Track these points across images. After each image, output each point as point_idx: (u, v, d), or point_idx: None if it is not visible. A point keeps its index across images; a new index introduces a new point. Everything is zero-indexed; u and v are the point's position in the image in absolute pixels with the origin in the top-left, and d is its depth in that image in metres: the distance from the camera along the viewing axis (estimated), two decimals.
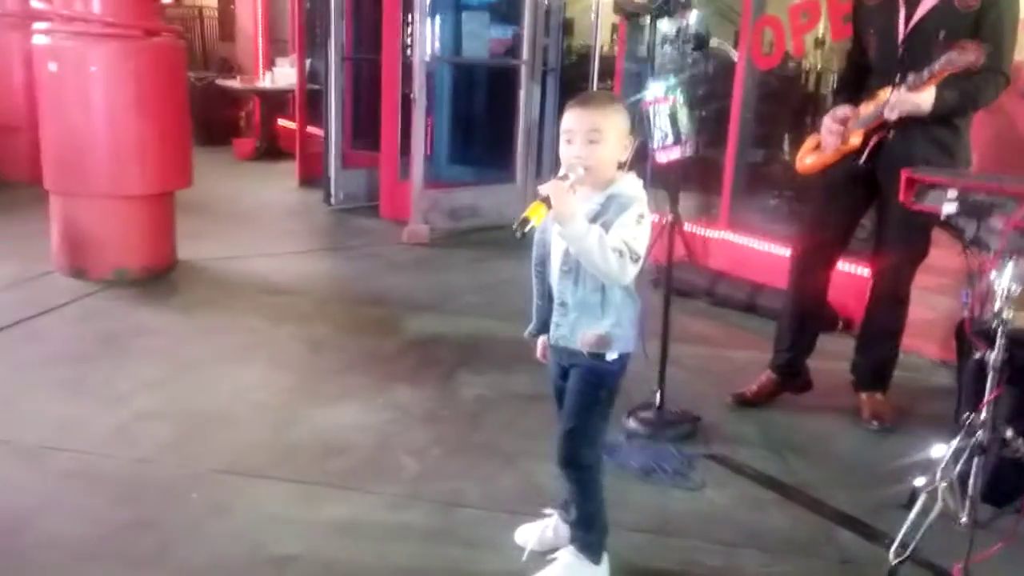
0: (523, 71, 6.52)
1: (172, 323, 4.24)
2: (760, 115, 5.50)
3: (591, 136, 2.04)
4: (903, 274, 3.24)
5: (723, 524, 2.64)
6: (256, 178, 8.35)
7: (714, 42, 3.07)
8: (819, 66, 6.33)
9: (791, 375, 3.49)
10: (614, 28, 7.19)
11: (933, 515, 2.28)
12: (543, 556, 2.37)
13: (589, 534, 2.29)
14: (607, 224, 2.02)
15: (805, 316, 3.44)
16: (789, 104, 6.23)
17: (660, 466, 2.90)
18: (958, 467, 2.36)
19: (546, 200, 1.92)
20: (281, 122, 9.57)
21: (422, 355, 3.92)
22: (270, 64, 10.05)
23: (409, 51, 6.37)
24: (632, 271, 2.01)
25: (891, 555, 2.35)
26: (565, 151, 2.07)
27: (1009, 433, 2.37)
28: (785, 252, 3.84)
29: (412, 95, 5.98)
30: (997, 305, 2.26)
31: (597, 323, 2.13)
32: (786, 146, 5.86)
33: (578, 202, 1.99)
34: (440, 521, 2.59)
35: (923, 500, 2.36)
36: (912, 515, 2.34)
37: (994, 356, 2.29)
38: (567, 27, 9.00)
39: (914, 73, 2.89)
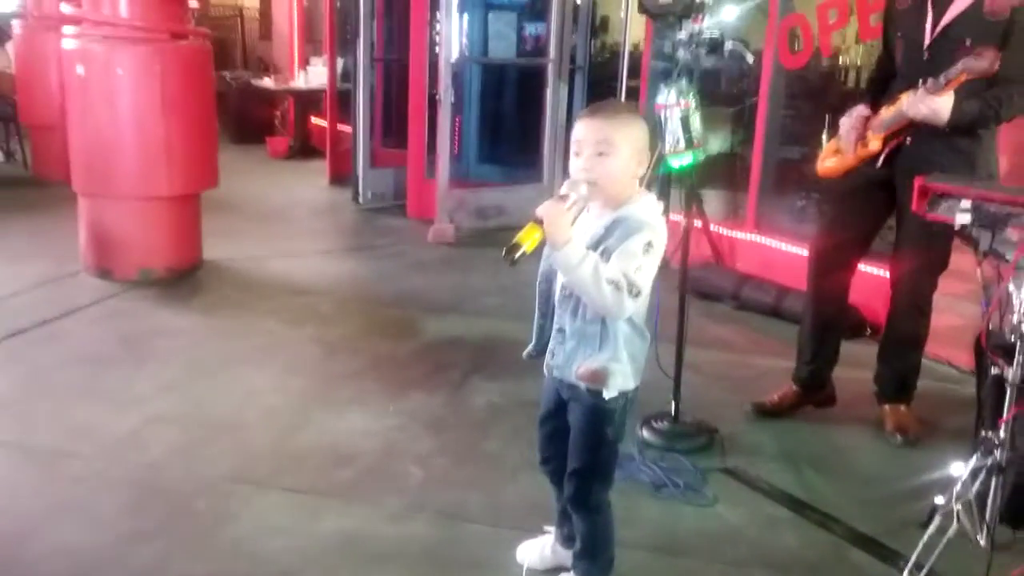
0: (550, 69, 6.46)
1: (192, 324, 4.26)
2: (788, 114, 5.41)
3: (600, 148, 1.88)
4: (922, 282, 3.14)
5: (732, 542, 2.57)
6: (287, 177, 8.39)
7: (728, 44, 2.96)
8: (850, 63, 6.21)
9: (814, 388, 3.40)
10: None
11: (948, 536, 2.19)
12: (542, 575, 2.33)
13: (592, 567, 2.19)
14: (608, 250, 1.86)
15: (825, 322, 3.34)
16: (819, 103, 6.11)
17: (671, 480, 2.83)
18: (976, 486, 2.27)
19: (541, 222, 1.78)
20: (315, 121, 9.62)
21: (437, 359, 3.89)
22: (305, 64, 10.11)
23: (437, 51, 6.34)
24: (630, 307, 1.84)
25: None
26: (573, 164, 1.93)
27: None
28: None
29: (437, 95, 5.95)
30: (1015, 319, 2.16)
31: (594, 356, 1.96)
32: (823, 139, 5.73)
33: (572, 227, 1.82)
34: (441, 535, 2.55)
35: (940, 520, 2.27)
36: (927, 535, 2.25)
37: (1013, 372, 2.20)
38: (602, 24, 8.92)
39: (933, 78, 2.81)
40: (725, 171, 5.89)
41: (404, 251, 5.77)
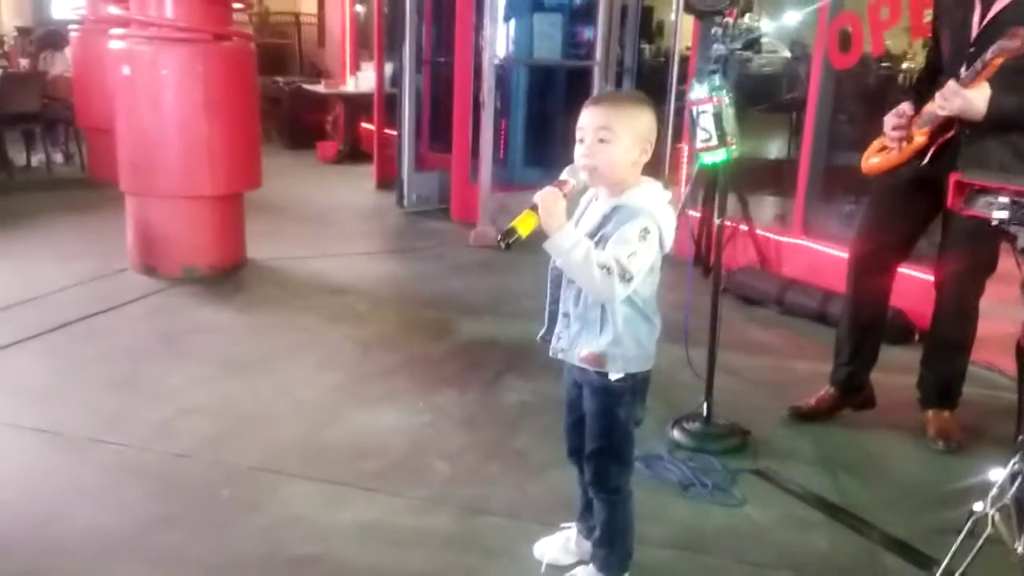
0: (596, 72, 6.42)
1: (231, 321, 4.30)
2: (842, 119, 5.31)
3: (600, 135, 1.93)
4: (967, 285, 3.03)
5: (759, 544, 2.50)
6: (335, 180, 8.47)
7: (766, 41, 2.91)
8: (912, 69, 6.08)
9: (852, 390, 3.30)
10: None
11: (981, 541, 2.10)
12: (561, 570, 2.29)
13: (611, 554, 2.19)
14: (606, 236, 1.91)
15: (864, 324, 3.24)
16: (876, 108, 5.98)
17: (700, 480, 2.77)
18: (1013, 491, 2.18)
19: (536, 208, 1.84)
20: (364, 126, 9.70)
21: (471, 359, 3.87)
22: (356, 69, 10.21)
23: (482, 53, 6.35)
24: (621, 291, 1.88)
25: None
26: (576, 151, 1.97)
27: None
28: None
29: (481, 97, 5.95)
30: None
31: (595, 340, 2.00)
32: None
33: (564, 212, 1.88)
34: (463, 528, 2.53)
35: (973, 525, 2.18)
36: (959, 539, 2.16)
37: None
38: (658, 28, 8.86)
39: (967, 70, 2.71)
40: (776, 177, 5.81)
41: (444, 254, 5.77)
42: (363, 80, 9.61)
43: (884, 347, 3.38)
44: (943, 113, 2.82)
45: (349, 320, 4.33)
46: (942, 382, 3.19)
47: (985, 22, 2.87)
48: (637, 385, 2.07)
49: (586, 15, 6.96)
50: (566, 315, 2.06)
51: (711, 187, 4.66)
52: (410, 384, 3.57)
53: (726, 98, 2.78)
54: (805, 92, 5.21)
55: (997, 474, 2.24)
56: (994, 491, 2.18)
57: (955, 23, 3.01)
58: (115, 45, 4.82)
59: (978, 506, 2.25)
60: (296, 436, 3.09)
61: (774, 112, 7.79)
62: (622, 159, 1.94)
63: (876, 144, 3.22)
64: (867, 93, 6.13)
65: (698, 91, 2.80)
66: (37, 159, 8.31)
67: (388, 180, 7.76)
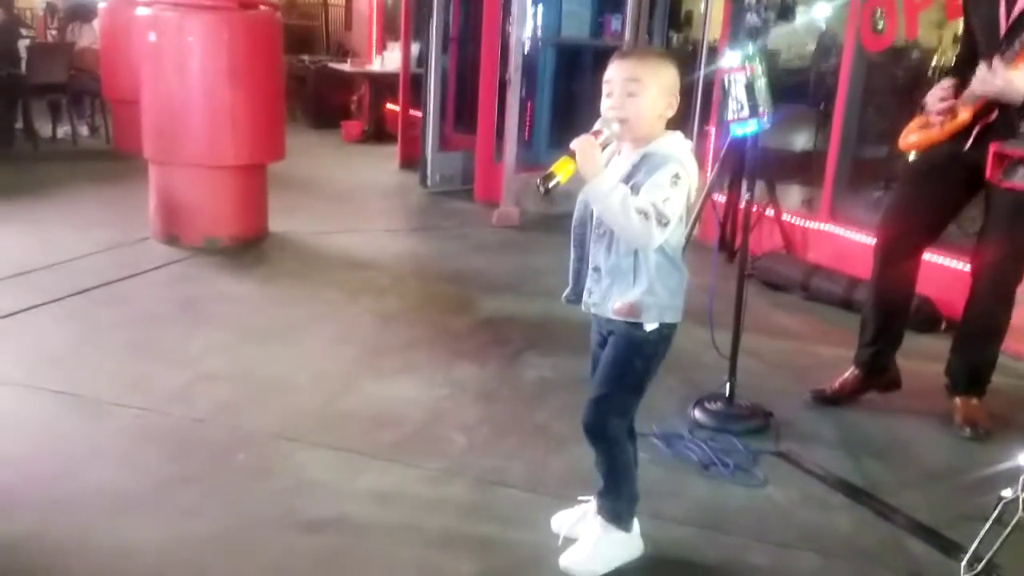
0: None
1: (251, 292, 4.29)
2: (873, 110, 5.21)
3: (629, 87, 1.93)
4: (1006, 270, 2.96)
5: (780, 524, 2.45)
6: (359, 160, 8.44)
7: (800, 12, 2.84)
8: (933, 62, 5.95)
9: (877, 371, 3.24)
10: None
11: (1010, 528, 2.05)
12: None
13: (617, 502, 2.19)
14: (637, 185, 1.92)
15: (889, 307, 3.18)
16: (910, 99, 5.87)
17: (720, 460, 2.73)
18: None
19: (574, 156, 1.85)
20: (389, 106, 9.66)
21: (491, 335, 3.83)
22: (383, 48, 10.17)
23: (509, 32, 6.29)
24: (659, 236, 1.89)
25: (963, 568, 2.14)
26: (603, 104, 1.98)
27: None
28: None
29: (508, 77, 5.90)
30: None
31: (629, 290, 2.01)
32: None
33: (603, 158, 1.92)
34: (479, 498, 2.50)
35: (1002, 511, 2.13)
36: (987, 526, 2.11)
37: None
38: (686, 19, 8.75)
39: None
40: (804, 168, 5.73)
41: (467, 233, 5.73)
42: (389, 60, 9.58)
43: (911, 335, 3.33)
44: (982, 92, 2.75)
45: (370, 294, 4.30)
46: (972, 369, 3.12)
47: (1012, 17, 2.82)
48: (663, 342, 2.06)
49: (614, 1, 6.90)
50: (596, 269, 2.06)
51: (738, 169, 4.61)
52: (429, 358, 3.53)
53: (759, 67, 2.72)
54: (833, 85, 5.13)
55: None
56: (1023, 477, 2.13)
57: (982, 17, 2.97)
58: (142, 11, 4.80)
59: (1007, 492, 2.20)
60: (313, 405, 3.07)
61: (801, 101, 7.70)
62: (650, 111, 1.95)
63: (916, 121, 3.15)
64: (896, 87, 6.02)
65: (730, 58, 2.74)
66: (63, 131, 8.33)
67: (412, 160, 7.72)
